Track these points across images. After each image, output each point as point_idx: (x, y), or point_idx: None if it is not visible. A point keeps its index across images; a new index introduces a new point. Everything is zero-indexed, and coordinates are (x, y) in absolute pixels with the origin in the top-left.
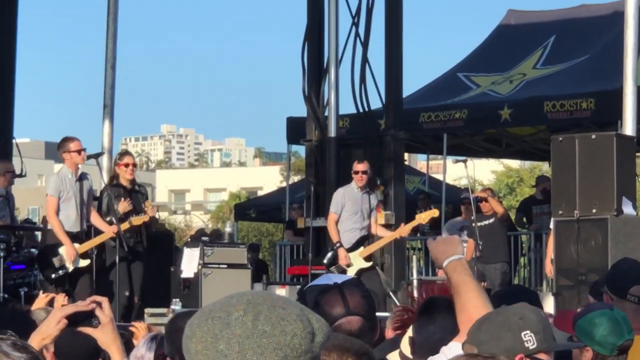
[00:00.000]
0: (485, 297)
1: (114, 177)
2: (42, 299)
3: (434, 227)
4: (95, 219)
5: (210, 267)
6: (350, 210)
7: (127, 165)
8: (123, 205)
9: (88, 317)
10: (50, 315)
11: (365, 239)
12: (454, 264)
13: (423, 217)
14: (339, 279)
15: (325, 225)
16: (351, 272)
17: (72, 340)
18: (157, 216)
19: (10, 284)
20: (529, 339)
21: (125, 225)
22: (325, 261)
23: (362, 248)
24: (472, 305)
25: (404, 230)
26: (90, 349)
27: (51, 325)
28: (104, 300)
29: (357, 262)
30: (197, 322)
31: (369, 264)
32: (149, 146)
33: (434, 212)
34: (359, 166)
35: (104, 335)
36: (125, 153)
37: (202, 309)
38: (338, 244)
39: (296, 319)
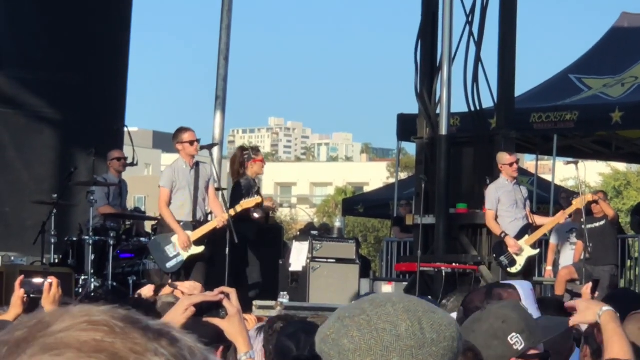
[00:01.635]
0: (631, 349)
1: (241, 169)
2: (167, 289)
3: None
4: (215, 207)
5: (318, 261)
6: (506, 204)
7: (262, 161)
8: (254, 200)
9: (216, 308)
10: (178, 303)
11: (529, 227)
12: (611, 314)
13: (579, 202)
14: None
15: (434, 223)
16: (521, 260)
17: (196, 329)
18: (275, 208)
19: (119, 273)
20: (517, 341)
21: (237, 209)
22: (494, 254)
23: (526, 236)
24: (622, 355)
25: (563, 216)
26: (213, 339)
27: (178, 313)
28: (232, 292)
29: (525, 250)
30: (358, 335)
31: (536, 251)
32: (256, 139)
33: (590, 197)
34: (513, 158)
35: (231, 326)
36: (258, 149)
37: (345, 319)
38: (503, 234)
39: (448, 322)
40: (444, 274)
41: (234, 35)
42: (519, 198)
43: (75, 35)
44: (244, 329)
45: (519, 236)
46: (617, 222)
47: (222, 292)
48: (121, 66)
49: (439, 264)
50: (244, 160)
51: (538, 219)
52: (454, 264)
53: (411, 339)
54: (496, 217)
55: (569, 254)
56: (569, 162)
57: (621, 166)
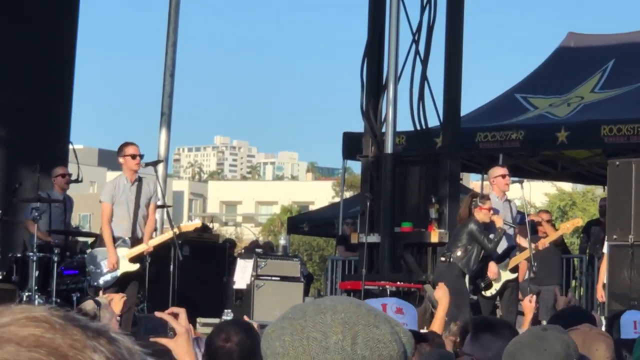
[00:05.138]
0: None
1: (468, 214)
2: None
3: None
4: (149, 224)
5: (263, 278)
6: None
7: (489, 210)
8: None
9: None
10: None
11: (512, 249)
12: None
13: (567, 227)
14: None
15: (379, 241)
16: (497, 285)
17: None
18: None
19: (63, 289)
20: None
21: (176, 231)
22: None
23: (508, 260)
24: None
25: (546, 242)
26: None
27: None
28: (181, 311)
29: (503, 275)
30: (289, 340)
31: (515, 275)
32: (201, 157)
33: (578, 222)
34: (504, 169)
35: (178, 346)
36: (485, 196)
37: (286, 319)
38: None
39: (391, 339)
40: (388, 292)
41: (180, 52)
42: (508, 216)
43: (20, 52)
44: (191, 349)
45: (502, 257)
46: (561, 242)
47: (172, 312)
48: (66, 83)
49: (383, 283)
50: (472, 206)
51: (522, 242)
52: (398, 283)
53: (338, 353)
54: None
55: None
56: (513, 182)
57: (567, 186)
